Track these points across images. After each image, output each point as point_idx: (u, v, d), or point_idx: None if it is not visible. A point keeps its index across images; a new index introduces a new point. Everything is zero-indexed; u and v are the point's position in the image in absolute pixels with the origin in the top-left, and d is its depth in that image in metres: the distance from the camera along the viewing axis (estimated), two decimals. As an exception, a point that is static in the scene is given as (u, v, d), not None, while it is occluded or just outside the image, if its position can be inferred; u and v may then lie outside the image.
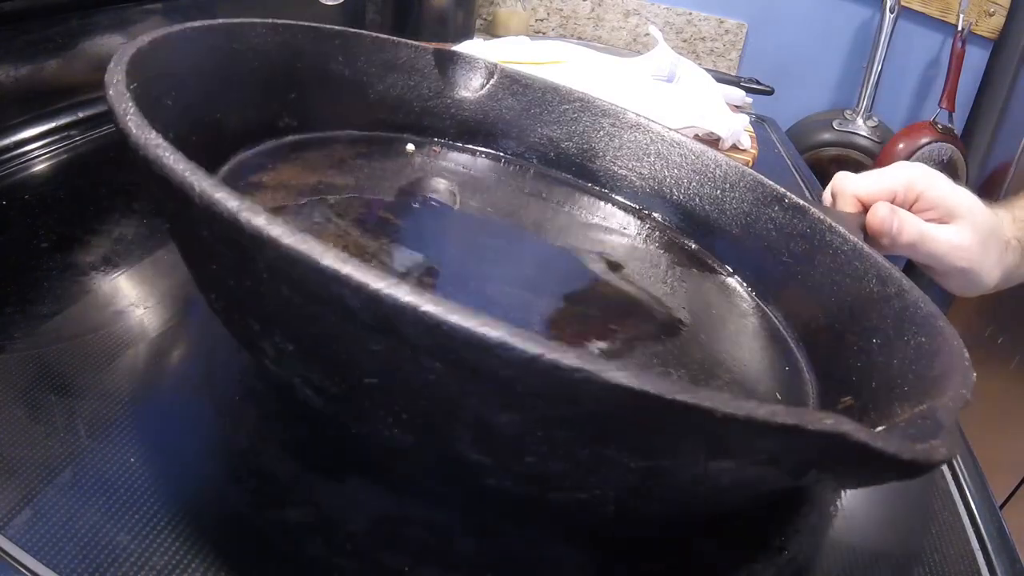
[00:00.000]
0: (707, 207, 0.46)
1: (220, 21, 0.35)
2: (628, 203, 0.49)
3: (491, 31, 1.12)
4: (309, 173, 0.38)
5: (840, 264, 0.37)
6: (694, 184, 0.47)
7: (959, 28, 1.02)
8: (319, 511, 0.24)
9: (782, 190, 0.43)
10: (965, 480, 0.33)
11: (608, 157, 0.49)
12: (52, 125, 0.51)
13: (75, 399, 0.29)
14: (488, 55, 0.68)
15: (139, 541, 0.23)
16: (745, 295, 0.41)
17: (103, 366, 0.31)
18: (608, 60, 0.74)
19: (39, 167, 0.48)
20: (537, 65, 0.70)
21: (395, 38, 0.46)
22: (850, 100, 1.12)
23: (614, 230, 0.46)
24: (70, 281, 0.36)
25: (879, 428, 0.24)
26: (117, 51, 0.26)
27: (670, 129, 0.48)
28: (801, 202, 0.42)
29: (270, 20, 0.38)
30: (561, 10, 1.17)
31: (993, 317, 1.00)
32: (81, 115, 0.54)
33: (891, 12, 1.02)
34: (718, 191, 0.46)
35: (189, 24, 0.32)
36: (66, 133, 0.52)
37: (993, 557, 0.29)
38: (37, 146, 0.49)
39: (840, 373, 0.33)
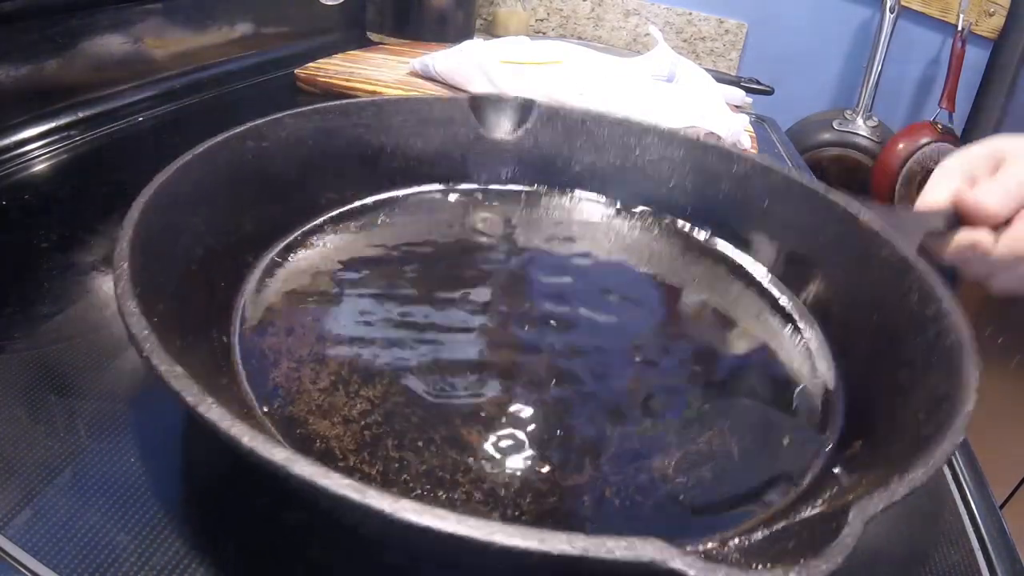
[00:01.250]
0: (753, 217, 0.44)
1: (247, 127, 0.36)
2: (677, 223, 0.47)
3: (491, 31, 1.12)
4: (343, 250, 0.39)
5: (887, 280, 0.35)
6: (739, 196, 0.45)
7: (959, 28, 1.02)
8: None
9: (832, 198, 0.40)
10: (965, 480, 0.33)
11: (654, 176, 0.48)
12: (52, 125, 0.51)
13: (75, 399, 0.29)
14: (493, 58, 0.68)
15: (139, 541, 0.23)
16: (797, 312, 0.40)
17: (103, 366, 0.31)
18: (608, 60, 0.74)
19: (39, 167, 0.48)
20: (536, 65, 0.70)
21: (429, 96, 0.47)
22: (850, 100, 1.12)
23: (670, 252, 0.45)
24: (70, 281, 0.36)
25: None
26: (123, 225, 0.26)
27: (726, 143, 0.47)
28: (852, 211, 0.39)
29: (297, 110, 0.40)
30: (561, 10, 1.17)
31: (993, 317, 1.00)
32: (81, 115, 0.54)
33: (891, 12, 1.02)
34: (767, 202, 0.44)
35: (216, 140, 0.34)
36: (66, 133, 0.52)
37: (993, 557, 0.29)
38: (37, 146, 0.49)
39: (864, 409, 0.32)
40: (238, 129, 0.36)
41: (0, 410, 0.28)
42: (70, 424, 0.27)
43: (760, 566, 0.17)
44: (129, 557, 0.22)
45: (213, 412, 0.18)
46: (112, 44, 0.56)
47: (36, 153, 0.49)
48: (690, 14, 1.14)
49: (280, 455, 0.17)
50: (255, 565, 0.23)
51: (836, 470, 0.28)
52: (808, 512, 0.24)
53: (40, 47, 0.50)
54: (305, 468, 0.17)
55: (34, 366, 0.30)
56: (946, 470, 0.34)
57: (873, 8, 1.09)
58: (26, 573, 0.22)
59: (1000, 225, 0.37)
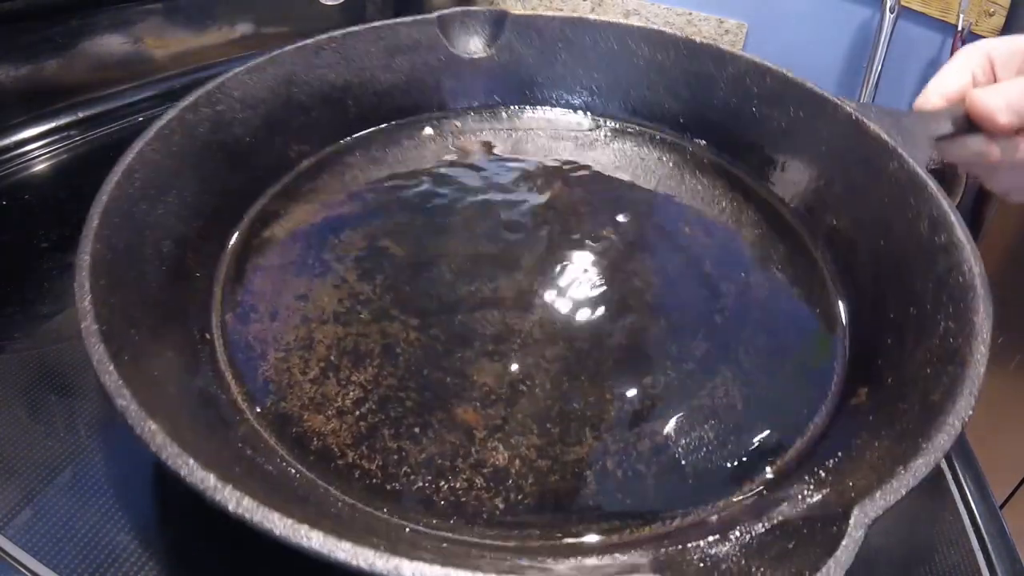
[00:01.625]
0: (751, 125, 0.41)
1: (195, 96, 0.33)
2: (669, 135, 0.44)
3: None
4: (318, 208, 0.37)
5: (895, 198, 0.32)
6: (734, 101, 0.42)
7: (959, 28, 1.02)
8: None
9: (835, 100, 0.38)
10: (965, 480, 0.33)
11: (646, 86, 0.44)
12: (52, 125, 0.51)
13: (75, 399, 0.29)
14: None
15: (139, 541, 0.23)
16: (801, 232, 0.37)
17: (103, 366, 0.31)
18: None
19: (39, 167, 0.48)
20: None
21: (388, 22, 0.42)
22: (850, 99, 1.12)
23: (664, 168, 0.41)
24: (70, 281, 0.36)
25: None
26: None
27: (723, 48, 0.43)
28: (859, 116, 0.36)
29: (250, 64, 0.37)
30: (561, 10, 1.17)
31: (993, 317, 1.00)
32: (81, 115, 0.54)
33: (891, 12, 1.02)
34: (765, 107, 0.40)
35: (163, 120, 0.32)
36: (66, 133, 0.52)
37: (993, 557, 0.29)
38: (37, 146, 0.49)
39: (870, 348, 0.30)
40: (187, 100, 0.33)
41: (0, 410, 0.28)
42: (70, 424, 0.27)
43: (759, 572, 0.17)
44: (129, 557, 0.22)
45: (196, 475, 0.18)
46: (112, 44, 0.56)
47: (36, 153, 0.49)
48: (690, 14, 1.14)
49: (261, 515, 0.17)
50: (256, 565, 0.23)
51: (833, 455, 0.26)
52: (810, 489, 0.23)
53: (40, 47, 0.50)
54: (286, 530, 0.17)
55: (34, 366, 0.30)
56: (946, 470, 0.34)
57: (873, 8, 1.09)
58: (26, 573, 0.22)
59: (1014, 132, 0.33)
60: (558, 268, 0.34)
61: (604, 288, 0.33)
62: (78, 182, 0.47)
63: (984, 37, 1.09)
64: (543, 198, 0.39)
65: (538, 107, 0.46)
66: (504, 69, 0.45)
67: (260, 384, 0.28)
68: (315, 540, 0.17)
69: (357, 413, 0.27)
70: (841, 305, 0.33)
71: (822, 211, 0.37)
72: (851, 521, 0.18)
